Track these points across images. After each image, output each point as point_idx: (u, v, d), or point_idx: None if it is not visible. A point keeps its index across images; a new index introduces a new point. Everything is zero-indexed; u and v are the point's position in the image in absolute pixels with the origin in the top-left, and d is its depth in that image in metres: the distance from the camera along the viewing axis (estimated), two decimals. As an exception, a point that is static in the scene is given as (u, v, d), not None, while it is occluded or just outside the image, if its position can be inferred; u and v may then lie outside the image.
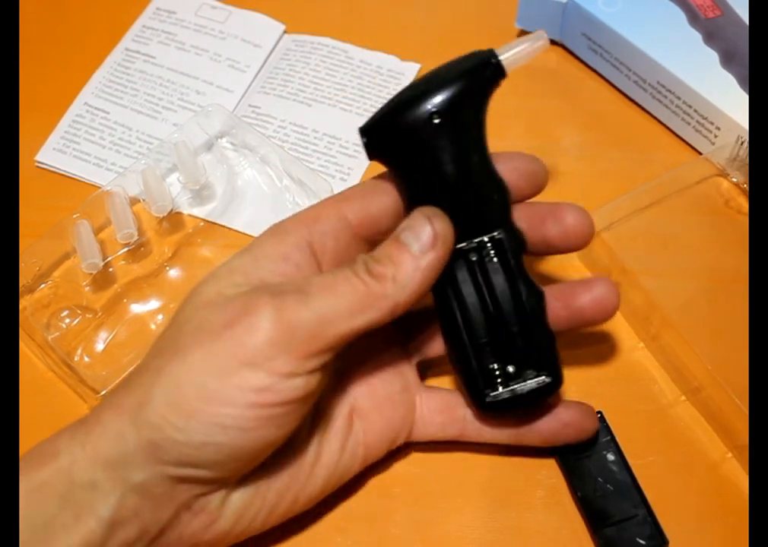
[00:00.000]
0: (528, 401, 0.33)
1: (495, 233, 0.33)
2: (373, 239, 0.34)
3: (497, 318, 0.33)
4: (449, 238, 0.31)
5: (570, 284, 0.35)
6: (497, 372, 0.33)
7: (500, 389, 0.33)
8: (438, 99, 0.32)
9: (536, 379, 0.33)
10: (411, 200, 0.33)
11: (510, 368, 0.33)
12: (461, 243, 0.33)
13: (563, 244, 0.34)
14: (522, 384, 0.33)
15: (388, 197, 0.33)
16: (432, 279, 0.30)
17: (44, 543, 0.28)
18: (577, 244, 0.34)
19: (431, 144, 0.32)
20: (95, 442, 0.29)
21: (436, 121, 0.32)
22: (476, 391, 0.34)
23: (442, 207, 0.32)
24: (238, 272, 0.31)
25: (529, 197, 0.35)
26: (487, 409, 0.34)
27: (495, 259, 0.33)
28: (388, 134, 0.32)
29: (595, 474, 0.35)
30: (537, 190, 0.35)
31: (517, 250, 0.33)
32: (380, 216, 0.33)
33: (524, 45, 0.33)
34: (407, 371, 0.36)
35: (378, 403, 0.35)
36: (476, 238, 0.33)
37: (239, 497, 0.31)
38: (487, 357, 0.33)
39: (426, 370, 0.38)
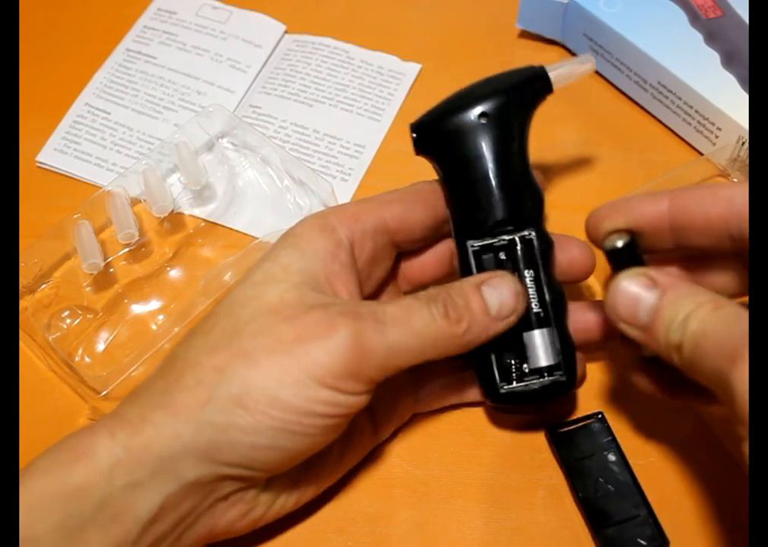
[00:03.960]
0: (540, 397, 0.34)
1: (526, 233, 0.34)
2: (404, 246, 0.35)
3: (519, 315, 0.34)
4: (521, 311, 0.32)
5: None
6: (514, 367, 0.34)
7: (515, 383, 0.34)
8: (486, 102, 0.34)
9: (551, 377, 0.34)
10: (452, 195, 0.34)
11: (527, 365, 0.34)
12: (493, 239, 0.34)
13: (565, 273, 0.35)
14: (537, 380, 0.34)
15: (426, 209, 0.35)
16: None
17: (76, 544, 0.28)
18: (579, 275, 0.36)
19: (475, 142, 0.33)
20: (146, 443, 0.29)
21: (483, 121, 0.33)
22: (491, 383, 0.34)
23: (477, 202, 0.33)
24: (293, 272, 0.31)
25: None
26: (499, 401, 0.34)
27: (523, 258, 0.34)
28: (437, 130, 0.34)
29: (596, 474, 0.35)
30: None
31: (545, 251, 0.34)
32: (416, 226, 0.35)
33: (572, 65, 0.35)
34: None
35: (386, 391, 0.35)
36: (508, 235, 0.34)
37: (274, 487, 0.32)
38: (506, 352, 0.34)
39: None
